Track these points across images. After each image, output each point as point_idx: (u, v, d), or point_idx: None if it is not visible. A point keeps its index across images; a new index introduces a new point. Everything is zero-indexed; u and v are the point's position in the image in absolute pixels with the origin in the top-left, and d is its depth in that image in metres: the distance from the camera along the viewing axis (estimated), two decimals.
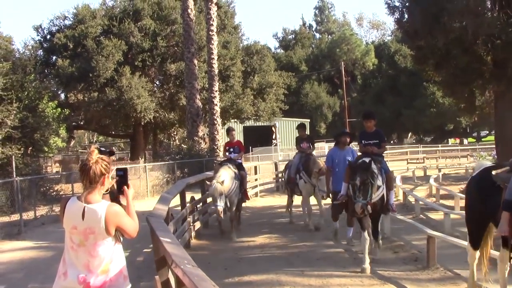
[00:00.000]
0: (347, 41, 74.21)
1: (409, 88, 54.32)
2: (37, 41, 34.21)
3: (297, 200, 13.96)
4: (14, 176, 15.08)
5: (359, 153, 10.24)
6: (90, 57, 30.94)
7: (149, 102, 32.43)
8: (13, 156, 16.78)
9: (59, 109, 24.84)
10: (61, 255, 4.04)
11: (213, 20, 28.10)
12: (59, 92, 34.63)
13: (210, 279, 3.81)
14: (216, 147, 27.15)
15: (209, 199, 12.63)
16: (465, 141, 61.66)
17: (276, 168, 24.34)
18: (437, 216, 13.16)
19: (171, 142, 44.38)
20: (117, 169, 4.32)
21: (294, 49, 75.94)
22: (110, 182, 4.07)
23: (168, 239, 5.34)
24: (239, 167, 12.67)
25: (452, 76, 15.80)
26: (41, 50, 33.84)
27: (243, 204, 14.22)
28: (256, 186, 21.34)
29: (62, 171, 31.58)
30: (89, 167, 3.91)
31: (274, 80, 38.57)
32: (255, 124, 46.28)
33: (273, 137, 47.38)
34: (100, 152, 5.56)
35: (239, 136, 38.70)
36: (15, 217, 14.62)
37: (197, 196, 13.49)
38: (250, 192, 19.46)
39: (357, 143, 10.67)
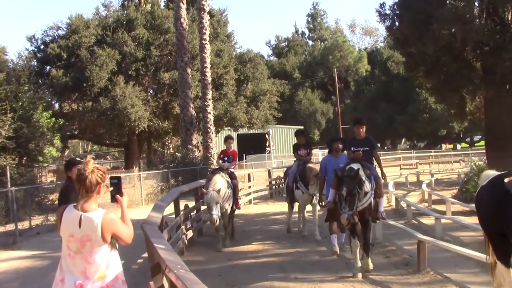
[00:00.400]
0: (339, 48, 74.52)
1: (402, 94, 54.61)
2: (31, 52, 34.34)
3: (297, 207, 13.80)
4: (9, 186, 15.13)
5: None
6: (84, 67, 31.01)
7: (143, 111, 32.52)
8: (8, 166, 16.85)
9: (53, 119, 24.88)
10: (56, 264, 4.16)
11: (206, 29, 28.26)
12: (53, 102, 34.72)
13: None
14: (210, 155, 27.23)
15: (203, 207, 12.65)
16: (458, 146, 62.00)
17: (270, 176, 24.46)
18: (429, 221, 13.29)
19: (165, 151, 44.44)
20: (111, 178, 4.43)
21: (287, 57, 76.28)
22: (105, 190, 4.20)
23: (162, 246, 5.47)
24: (231, 176, 12.60)
25: (443, 83, 16.03)
26: (35, 60, 33.91)
27: (237, 211, 14.19)
28: (249, 194, 21.43)
29: (57, 180, 31.55)
30: (85, 176, 4.04)
31: (267, 88, 38.68)
32: (249, 132, 46.35)
33: (267, 144, 47.54)
34: (76, 161, 5.73)
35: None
36: (10, 227, 14.67)
37: (191, 204, 13.56)
38: (244, 199, 19.60)
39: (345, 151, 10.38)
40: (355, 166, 8.40)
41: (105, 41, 32.98)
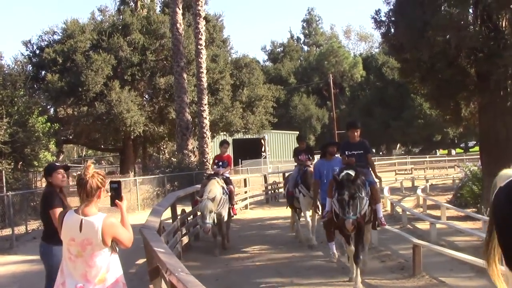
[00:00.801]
0: (335, 54, 74.62)
1: (397, 99, 54.73)
2: (26, 56, 34.21)
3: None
4: (5, 191, 15.15)
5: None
6: (80, 72, 30.93)
7: (139, 116, 32.47)
8: (4, 171, 16.87)
9: (48, 124, 24.83)
10: None
11: (202, 34, 28.37)
12: (48, 107, 34.53)
13: None
14: (205, 160, 27.28)
15: (199, 213, 12.65)
16: (453, 152, 62.18)
17: (266, 181, 24.52)
18: (423, 226, 13.40)
19: (161, 156, 44.40)
20: (111, 182, 4.49)
21: (283, 62, 76.37)
22: (105, 195, 4.26)
23: (162, 249, 5.53)
24: (227, 181, 12.43)
25: (437, 89, 16.08)
26: (30, 65, 33.80)
27: (233, 217, 14.14)
28: (246, 199, 21.47)
29: None
30: (86, 181, 4.10)
31: (263, 93, 38.77)
32: (245, 137, 46.38)
33: (262, 149, 47.59)
34: (56, 166, 5.75)
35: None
36: (6, 231, 14.66)
37: (187, 209, 13.60)
38: (240, 205, 19.63)
39: (338, 154, 10.20)
40: (351, 171, 8.15)
41: (101, 46, 32.92)
